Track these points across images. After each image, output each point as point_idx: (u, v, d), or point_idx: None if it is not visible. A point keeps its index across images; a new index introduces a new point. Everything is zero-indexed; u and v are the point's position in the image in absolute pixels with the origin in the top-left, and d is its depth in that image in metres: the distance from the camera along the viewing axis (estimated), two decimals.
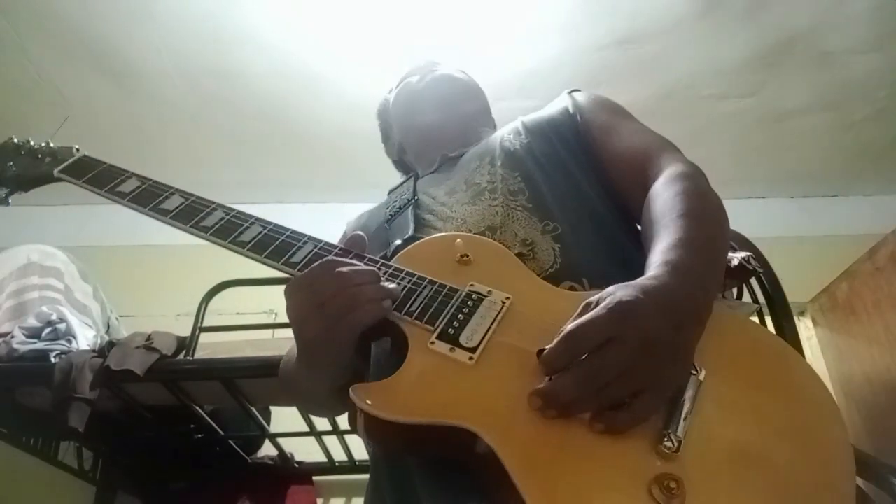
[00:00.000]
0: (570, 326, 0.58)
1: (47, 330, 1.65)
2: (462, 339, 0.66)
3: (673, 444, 0.55)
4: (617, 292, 0.60)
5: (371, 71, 2.36)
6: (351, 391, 0.62)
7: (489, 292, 0.72)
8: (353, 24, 2.24)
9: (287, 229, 0.81)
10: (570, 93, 1.06)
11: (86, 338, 1.72)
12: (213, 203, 0.86)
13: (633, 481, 0.54)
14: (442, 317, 0.69)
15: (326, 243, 0.79)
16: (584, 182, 0.91)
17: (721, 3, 2.18)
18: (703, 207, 0.75)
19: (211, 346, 1.70)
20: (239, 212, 0.85)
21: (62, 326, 1.67)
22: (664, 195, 0.77)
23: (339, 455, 2.05)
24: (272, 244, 0.79)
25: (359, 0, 2.17)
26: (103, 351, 1.59)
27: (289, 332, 1.93)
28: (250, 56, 2.34)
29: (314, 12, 2.20)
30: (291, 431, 1.93)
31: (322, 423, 1.83)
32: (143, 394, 1.66)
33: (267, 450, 2.12)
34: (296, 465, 2.13)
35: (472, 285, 0.73)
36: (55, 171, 0.95)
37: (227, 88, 2.48)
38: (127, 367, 1.51)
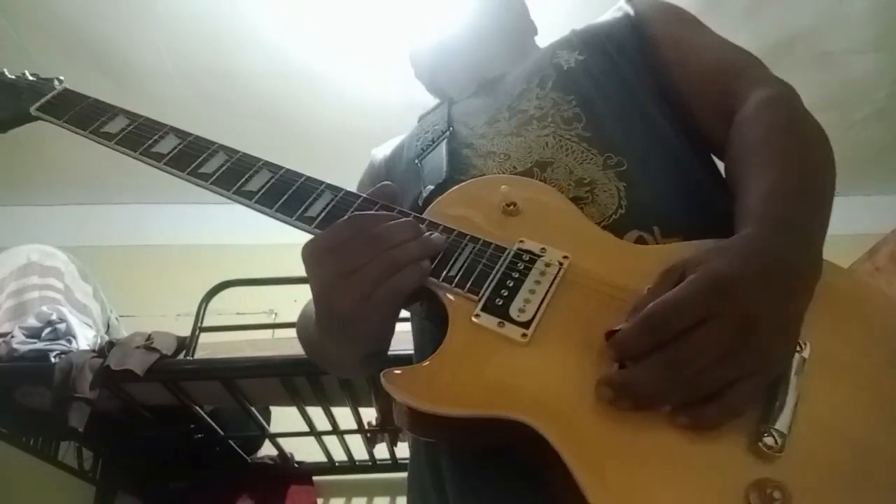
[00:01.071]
0: (653, 305, 0.47)
1: (47, 330, 1.65)
2: (512, 312, 0.56)
3: (775, 441, 0.45)
4: (711, 261, 0.49)
5: (371, 71, 2.36)
6: (383, 378, 0.53)
7: (543, 250, 0.60)
8: (353, 25, 2.24)
9: (301, 175, 0.69)
10: None
11: (86, 338, 1.72)
12: (215, 144, 0.74)
13: (725, 489, 0.44)
14: (487, 283, 0.58)
15: (348, 192, 0.67)
16: (653, 106, 0.76)
17: (721, 2, 2.18)
18: (802, 142, 0.62)
19: (211, 346, 1.70)
20: (245, 155, 0.72)
21: (62, 326, 1.67)
22: (755, 127, 0.64)
23: (339, 455, 2.05)
24: (284, 194, 0.67)
25: (359, 0, 2.17)
26: (103, 351, 1.59)
27: (289, 332, 1.94)
28: (250, 56, 2.34)
29: (314, 12, 2.20)
30: (291, 431, 1.92)
31: (322, 423, 1.83)
32: (143, 394, 1.66)
33: (267, 450, 2.12)
34: (296, 465, 2.13)
35: (521, 242, 0.61)
36: (31, 109, 0.81)
37: (227, 88, 2.48)
38: (127, 367, 1.51)
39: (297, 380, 1.59)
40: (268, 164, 0.71)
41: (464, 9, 1.01)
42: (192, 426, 1.88)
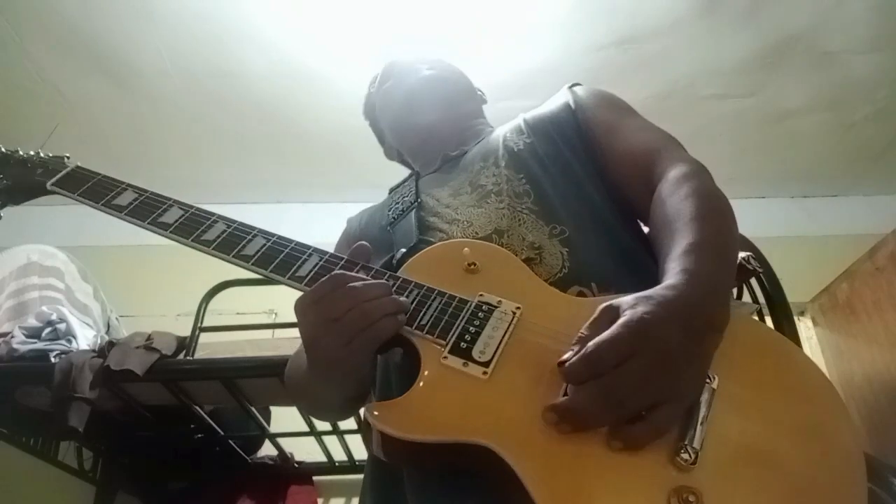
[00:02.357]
0: (592, 344, 0.57)
1: (47, 330, 1.65)
2: (475, 353, 0.66)
3: (690, 456, 0.55)
4: (637, 307, 0.59)
5: (371, 71, 2.36)
6: (365, 410, 0.62)
7: (499, 302, 0.71)
8: (353, 24, 2.24)
9: (290, 241, 0.80)
10: (571, 87, 1.04)
11: (86, 338, 1.72)
12: (213, 215, 0.84)
13: (651, 494, 0.54)
14: (453, 330, 0.68)
15: (332, 255, 0.78)
16: (589, 183, 0.90)
17: (721, 3, 2.17)
18: (711, 208, 0.74)
19: (211, 346, 1.70)
20: (240, 224, 0.83)
21: (62, 326, 1.67)
22: (672, 198, 0.76)
23: (339, 455, 2.05)
24: (277, 257, 0.78)
25: (358, 0, 2.17)
26: (103, 351, 1.59)
27: (289, 332, 1.93)
28: (250, 56, 2.34)
29: (314, 12, 2.20)
30: (291, 431, 1.93)
31: (322, 423, 1.83)
32: (143, 394, 1.66)
33: (267, 450, 2.12)
34: (296, 465, 2.13)
35: (481, 295, 0.72)
36: (48, 185, 0.92)
37: (227, 88, 2.48)
38: (127, 367, 1.51)
39: None
40: (262, 232, 0.82)
41: (436, 99, 1.16)
42: (192, 426, 1.88)
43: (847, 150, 2.85)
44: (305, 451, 2.11)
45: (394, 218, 0.99)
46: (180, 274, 2.58)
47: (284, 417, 1.95)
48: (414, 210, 0.96)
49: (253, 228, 0.82)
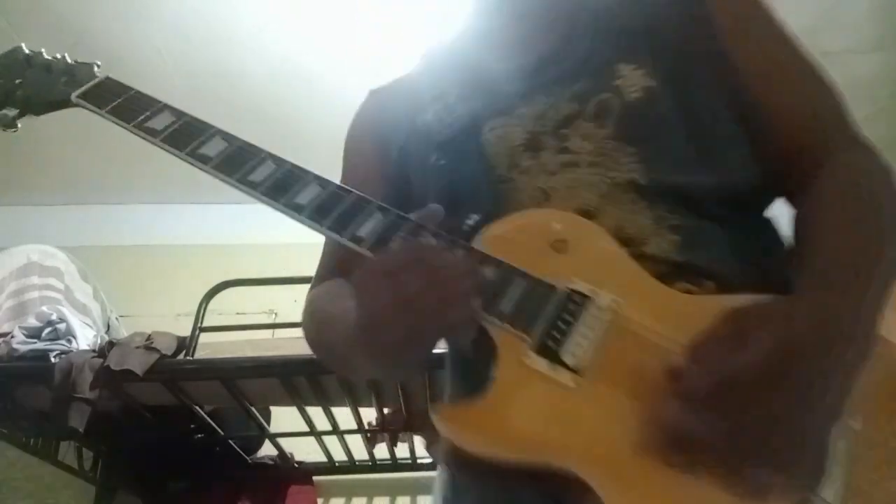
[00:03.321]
0: (727, 363, 0.47)
1: (47, 330, 1.65)
2: (564, 355, 0.55)
3: None
4: (783, 321, 0.49)
5: (371, 71, 2.36)
6: (433, 415, 0.54)
7: (593, 292, 0.59)
8: (353, 25, 2.24)
9: (350, 192, 0.67)
10: None
11: (86, 338, 1.72)
12: (263, 152, 0.72)
13: None
14: (539, 323, 0.57)
15: (397, 215, 0.64)
16: (727, 147, 0.67)
17: None
18: (887, 224, 0.60)
19: (211, 346, 1.70)
20: (294, 165, 0.70)
21: (62, 326, 1.67)
22: (839, 202, 0.62)
23: (339, 455, 2.05)
24: (334, 210, 0.65)
25: (359, 1, 2.17)
26: (103, 351, 1.59)
27: (289, 332, 1.92)
28: (250, 56, 2.34)
29: (314, 13, 2.20)
30: (291, 431, 1.93)
31: (322, 423, 1.83)
32: (143, 394, 1.66)
33: (267, 450, 2.12)
34: (296, 465, 2.13)
35: (572, 281, 0.59)
36: (73, 96, 0.80)
37: (227, 88, 2.48)
38: (127, 367, 1.51)
39: (297, 380, 1.59)
40: (318, 178, 0.68)
41: None
42: (192, 426, 1.88)
43: None
44: (305, 451, 2.11)
45: (443, 145, 0.75)
46: (180, 274, 2.59)
47: (284, 417, 1.95)
48: (472, 141, 0.73)
49: (308, 172, 0.69)
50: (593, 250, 0.62)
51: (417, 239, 0.61)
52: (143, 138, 0.75)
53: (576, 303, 0.58)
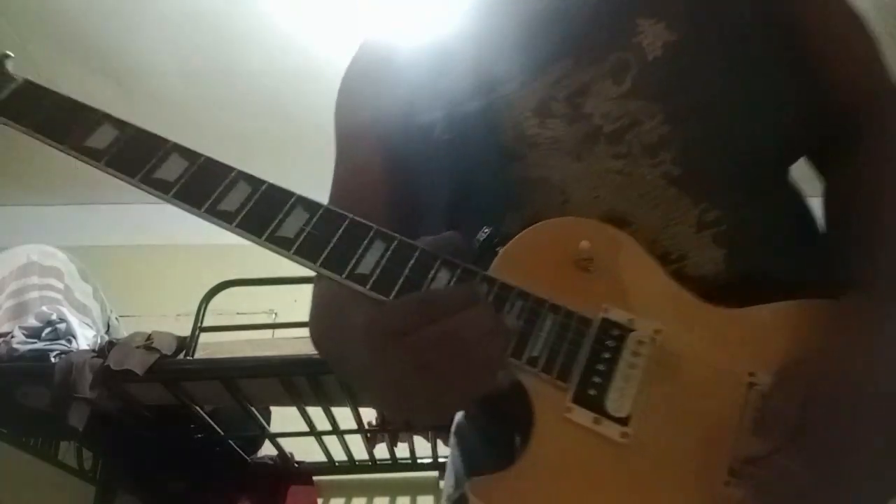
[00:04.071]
0: (800, 453, 0.44)
1: (47, 330, 1.65)
2: (608, 404, 0.47)
3: None
4: (844, 384, 0.45)
5: None
6: (469, 488, 0.47)
7: (631, 322, 0.50)
8: (354, 23, 2.24)
9: (345, 216, 0.54)
10: None
11: (86, 338, 1.72)
12: (233, 170, 0.58)
13: None
14: (576, 366, 0.49)
15: (402, 241, 0.53)
16: (767, 112, 0.58)
17: None
18: None
19: (211, 346, 1.70)
20: (271, 186, 0.56)
21: (62, 326, 1.67)
22: (890, 188, 0.55)
23: (339, 455, 2.05)
24: (326, 245, 0.53)
25: (359, 1, 2.17)
26: (103, 351, 1.60)
27: (289, 332, 1.92)
28: (250, 55, 2.34)
29: (314, 12, 2.20)
30: (291, 431, 1.93)
31: (322, 423, 1.83)
32: (143, 394, 1.66)
33: (267, 450, 2.12)
34: (296, 465, 2.13)
35: (605, 310, 0.51)
36: None
37: (227, 88, 2.48)
38: (127, 367, 1.52)
39: (297, 380, 1.59)
40: (302, 200, 0.55)
41: None
42: (192, 426, 1.88)
43: None
44: (305, 451, 2.11)
45: (452, 110, 0.65)
46: (180, 274, 2.59)
47: (284, 417, 1.95)
48: (484, 125, 0.62)
49: (290, 195, 0.56)
50: (622, 268, 0.53)
51: (429, 290, 0.51)
52: (82, 161, 0.59)
53: (614, 337, 0.50)
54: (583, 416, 0.47)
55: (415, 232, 0.57)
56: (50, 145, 0.60)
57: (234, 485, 2.05)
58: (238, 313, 2.29)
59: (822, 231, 0.60)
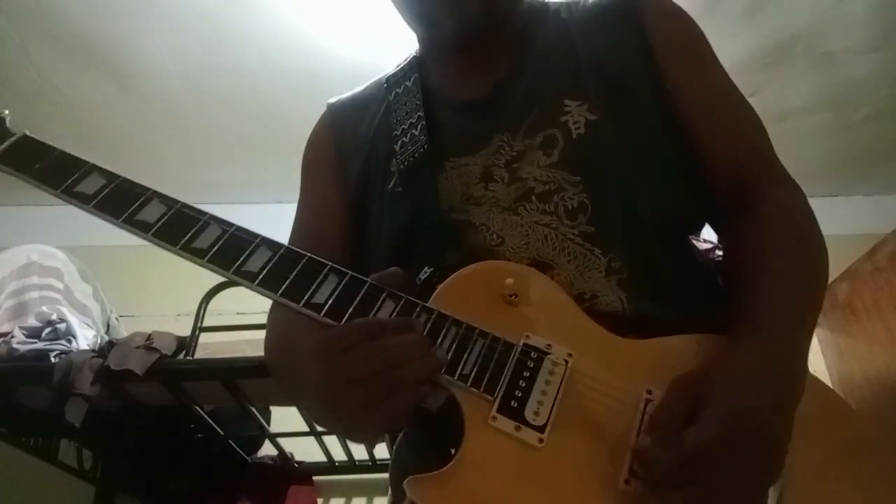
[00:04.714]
0: (685, 445, 0.49)
1: (47, 330, 1.65)
2: (528, 414, 0.56)
3: None
4: (727, 392, 0.52)
5: (375, 71, 2.36)
6: (406, 486, 0.53)
7: (549, 347, 0.60)
8: (354, 24, 2.24)
9: (302, 255, 0.64)
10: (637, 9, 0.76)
11: (86, 338, 1.72)
12: (205, 214, 0.66)
13: None
14: (501, 382, 0.57)
15: (353, 276, 0.62)
16: (665, 182, 0.71)
17: (721, 3, 2.17)
18: (812, 260, 0.66)
19: (211, 346, 1.70)
20: (239, 228, 0.66)
21: (62, 326, 1.67)
22: (775, 236, 0.66)
23: (339, 455, 2.05)
24: (288, 276, 0.62)
25: (359, 1, 2.17)
26: (103, 351, 1.59)
27: None
28: (251, 56, 2.34)
29: (314, 12, 2.20)
30: (291, 431, 1.93)
31: None
32: (143, 394, 1.66)
33: (267, 450, 2.12)
34: (296, 465, 2.13)
35: (527, 336, 0.60)
36: None
37: (227, 88, 2.48)
38: (127, 367, 1.52)
39: None
40: (266, 241, 0.65)
41: None
42: (192, 426, 1.88)
43: (847, 150, 2.85)
44: (305, 451, 2.11)
45: (402, 169, 0.76)
46: (180, 274, 2.57)
47: (284, 417, 1.95)
48: (429, 172, 0.74)
49: (255, 235, 0.65)
50: (543, 302, 0.63)
51: (371, 317, 0.59)
52: (72, 204, 0.69)
53: (533, 359, 0.59)
54: (506, 424, 0.56)
55: (363, 268, 0.66)
56: (45, 191, 0.70)
57: (234, 485, 2.05)
58: (238, 313, 2.29)
59: (715, 283, 0.72)
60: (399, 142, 0.78)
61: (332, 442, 1.97)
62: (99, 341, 1.74)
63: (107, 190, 0.69)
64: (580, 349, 0.60)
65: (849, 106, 2.63)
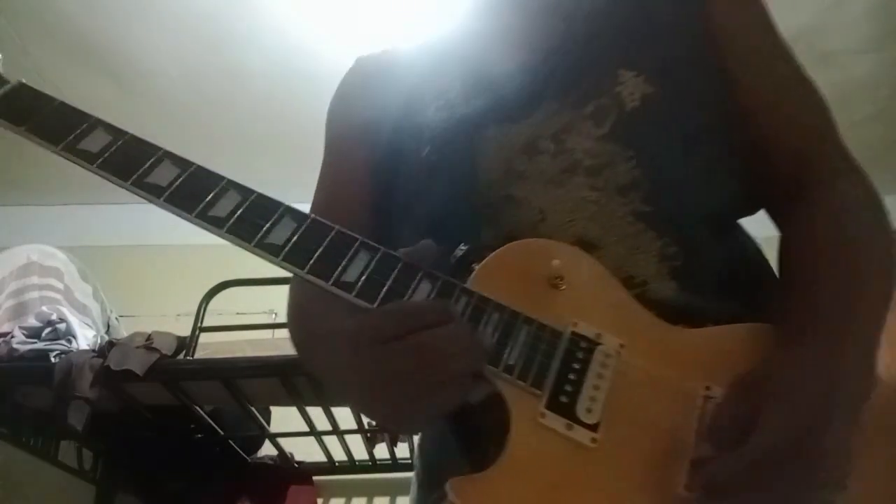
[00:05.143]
0: (745, 458, 0.47)
1: (47, 330, 1.65)
2: (579, 411, 0.51)
3: None
4: (794, 404, 0.49)
5: None
6: (449, 488, 0.49)
7: (599, 336, 0.54)
8: (354, 24, 2.24)
9: (331, 227, 0.58)
10: None
11: (86, 338, 1.72)
12: (223, 179, 0.60)
13: None
14: (549, 375, 0.52)
15: (385, 252, 0.56)
16: (723, 168, 0.66)
17: None
18: (880, 273, 0.59)
19: (211, 346, 1.70)
20: (260, 195, 0.60)
21: (62, 326, 1.67)
22: (830, 244, 0.61)
23: (339, 455, 2.05)
24: (315, 251, 0.56)
25: (359, 1, 2.17)
26: (103, 351, 1.60)
27: (289, 333, 1.92)
28: (251, 56, 2.35)
29: (314, 12, 2.20)
30: (291, 431, 1.93)
31: (322, 423, 1.83)
32: (143, 394, 1.66)
33: (267, 450, 2.12)
34: (296, 465, 2.13)
35: (575, 324, 0.55)
36: None
37: (228, 88, 2.48)
38: (127, 367, 1.52)
39: (297, 380, 1.59)
40: (290, 211, 0.59)
41: None
42: (192, 426, 1.88)
43: None
44: (305, 451, 2.11)
45: (440, 131, 0.69)
46: (180, 274, 2.59)
47: (284, 417, 1.95)
48: (468, 148, 0.67)
49: (279, 204, 0.59)
50: (591, 288, 0.58)
51: (412, 302, 0.54)
52: (75, 163, 0.61)
53: (583, 349, 0.54)
54: (556, 422, 0.50)
55: (391, 238, 0.61)
56: (44, 147, 0.62)
57: (234, 485, 2.05)
58: (238, 313, 2.29)
59: (770, 275, 0.67)
60: (434, 105, 0.71)
61: (332, 442, 1.97)
62: (99, 341, 1.75)
63: (113, 147, 0.61)
64: (632, 339, 0.54)
65: (849, 106, 2.63)
